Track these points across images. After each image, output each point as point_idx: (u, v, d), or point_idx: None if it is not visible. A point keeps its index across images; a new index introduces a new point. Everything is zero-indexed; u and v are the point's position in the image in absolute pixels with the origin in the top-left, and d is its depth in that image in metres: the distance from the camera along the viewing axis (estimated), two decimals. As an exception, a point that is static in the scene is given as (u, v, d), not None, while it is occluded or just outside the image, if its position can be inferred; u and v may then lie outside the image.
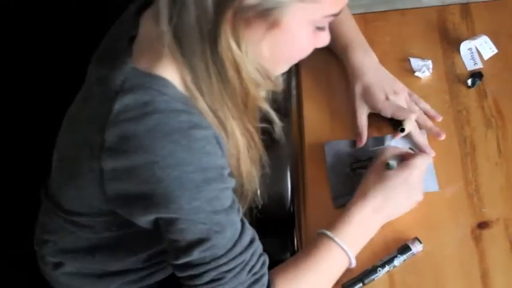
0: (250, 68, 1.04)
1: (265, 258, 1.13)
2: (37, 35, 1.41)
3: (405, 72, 1.42)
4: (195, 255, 1.06)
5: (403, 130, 1.31)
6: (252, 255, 1.10)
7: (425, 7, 1.51)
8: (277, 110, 1.16)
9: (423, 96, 1.38)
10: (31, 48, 1.42)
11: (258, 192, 1.21)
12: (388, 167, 1.24)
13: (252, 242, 1.10)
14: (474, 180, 1.29)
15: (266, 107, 1.13)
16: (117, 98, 1.03)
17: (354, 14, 1.47)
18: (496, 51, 1.43)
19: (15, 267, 1.44)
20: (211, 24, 0.99)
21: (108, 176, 1.05)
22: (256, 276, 1.10)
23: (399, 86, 1.37)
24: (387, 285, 1.20)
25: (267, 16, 1.00)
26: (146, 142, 1.01)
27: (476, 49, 1.43)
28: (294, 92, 1.47)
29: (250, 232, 1.11)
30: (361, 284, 1.19)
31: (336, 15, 1.06)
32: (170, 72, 1.05)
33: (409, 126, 1.31)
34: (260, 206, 1.22)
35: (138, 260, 1.28)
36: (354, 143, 1.35)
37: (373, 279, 1.19)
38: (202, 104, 1.05)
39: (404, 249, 1.21)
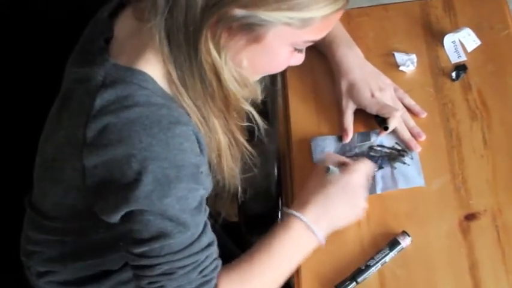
0: (228, 76, 1.06)
1: (218, 263, 1.13)
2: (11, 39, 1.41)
3: (390, 66, 1.43)
4: (153, 246, 1.06)
5: (387, 128, 1.31)
6: (206, 257, 1.10)
7: (408, 1, 1.52)
8: (262, 108, 1.17)
9: (408, 91, 1.38)
10: (6, 53, 1.41)
11: (240, 189, 1.22)
12: (328, 172, 1.23)
13: (209, 245, 1.11)
14: (461, 172, 1.29)
15: (249, 108, 1.13)
16: (98, 93, 1.03)
17: (337, 10, 1.47)
18: (479, 43, 1.43)
19: (2, 278, 1.43)
20: (195, 25, 1.00)
21: (90, 173, 1.05)
22: (206, 279, 1.11)
23: (385, 81, 1.37)
24: (378, 279, 1.20)
25: (250, 30, 1.02)
26: (125, 134, 1.02)
27: (460, 42, 1.43)
28: (280, 88, 1.48)
29: (210, 235, 1.11)
30: (354, 284, 1.19)
31: (316, 41, 1.09)
32: (152, 67, 1.06)
33: (394, 123, 1.31)
34: (240, 201, 1.23)
35: (122, 260, 1.27)
36: (340, 139, 1.35)
37: (366, 278, 1.20)
38: (186, 100, 1.06)
39: (394, 244, 1.21)
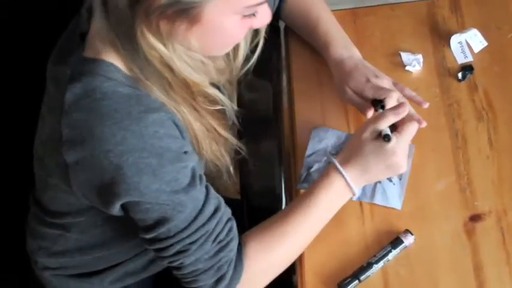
0: (180, 64, 1.05)
1: (232, 224, 1.14)
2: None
3: (396, 66, 1.42)
4: (159, 230, 1.08)
5: (383, 107, 1.27)
6: (216, 224, 1.11)
7: (415, 1, 1.51)
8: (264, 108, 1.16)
9: (414, 90, 1.36)
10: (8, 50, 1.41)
11: (231, 168, 1.22)
12: (385, 139, 1.19)
13: (216, 211, 1.12)
14: (466, 173, 1.29)
15: (213, 91, 1.13)
16: (66, 88, 1.04)
17: (343, 9, 1.47)
18: (485, 44, 1.43)
19: (8, 269, 1.43)
20: (127, 24, 1.00)
21: (72, 169, 1.05)
22: (223, 244, 1.12)
23: (382, 74, 1.33)
24: (381, 279, 1.20)
25: (185, 14, 1.00)
26: (97, 130, 1.02)
27: (466, 42, 1.43)
28: (284, 87, 1.48)
29: (213, 201, 1.12)
30: (357, 281, 1.19)
31: (262, 3, 1.05)
32: (116, 59, 1.06)
33: (391, 103, 1.26)
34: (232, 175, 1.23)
35: (130, 251, 1.28)
36: (340, 136, 1.34)
37: (369, 276, 1.20)
38: (156, 92, 1.06)
39: (397, 242, 1.21)
